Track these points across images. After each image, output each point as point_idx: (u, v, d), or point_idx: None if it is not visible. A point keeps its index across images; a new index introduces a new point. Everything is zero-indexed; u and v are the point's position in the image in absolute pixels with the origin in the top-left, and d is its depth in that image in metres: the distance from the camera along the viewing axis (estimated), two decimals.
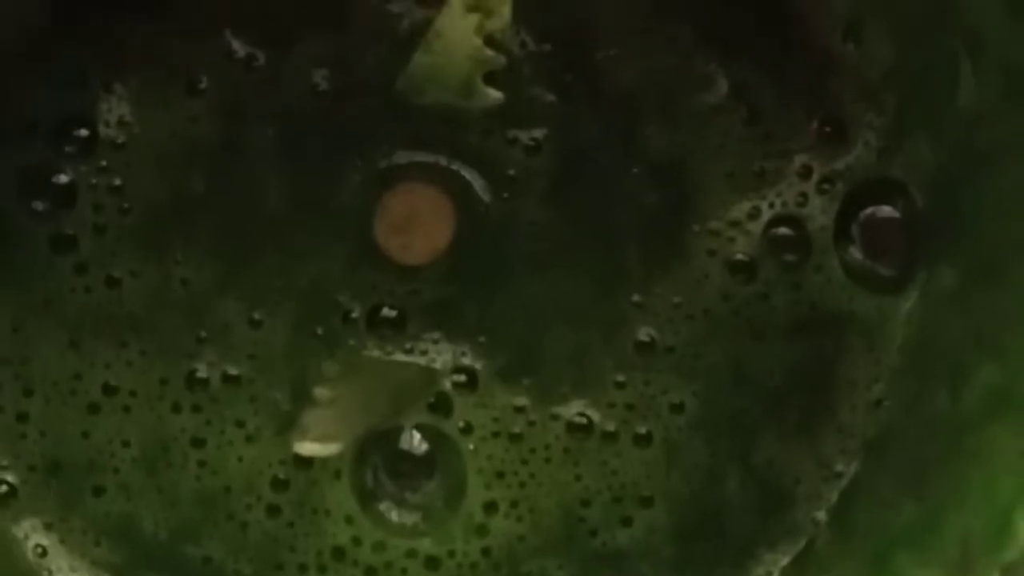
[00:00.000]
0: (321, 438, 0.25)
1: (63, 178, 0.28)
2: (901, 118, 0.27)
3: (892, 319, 0.28)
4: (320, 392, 0.27)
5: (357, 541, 0.28)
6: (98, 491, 0.28)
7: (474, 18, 0.27)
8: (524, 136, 0.28)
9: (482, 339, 0.28)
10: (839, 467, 0.28)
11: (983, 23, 0.24)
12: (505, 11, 0.27)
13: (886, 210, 0.28)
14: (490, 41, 0.28)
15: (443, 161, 0.28)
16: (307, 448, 0.25)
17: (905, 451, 0.26)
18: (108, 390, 0.28)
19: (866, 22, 0.28)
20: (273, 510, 0.28)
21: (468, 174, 0.28)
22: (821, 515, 0.28)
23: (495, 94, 0.28)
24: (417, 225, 0.28)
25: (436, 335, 0.28)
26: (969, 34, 0.25)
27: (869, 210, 0.28)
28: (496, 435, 0.28)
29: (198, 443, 0.28)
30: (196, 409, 0.28)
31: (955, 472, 0.23)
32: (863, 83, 0.28)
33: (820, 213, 0.28)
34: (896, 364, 0.27)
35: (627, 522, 0.28)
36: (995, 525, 0.21)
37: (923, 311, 0.27)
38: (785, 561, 0.27)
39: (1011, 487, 0.21)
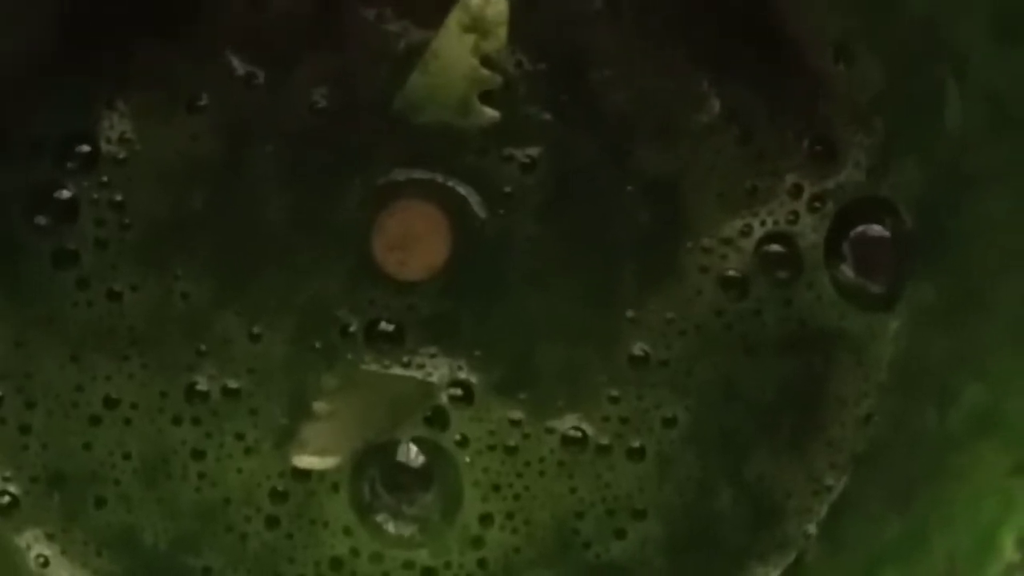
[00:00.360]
0: (320, 452, 0.26)
1: (65, 193, 0.29)
2: (890, 139, 0.28)
3: (881, 336, 0.28)
4: (319, 406, 0.27)
5: (355, 552, 0.28)
6: (99, 502, 0.28)
7: (471, 39, 0.28)
8: (520, 154, 0.29)
9: (478, 353, 0.29)
10: (829, 481, 0.28)
11: (969, 49, 0.25)
12: (501, 32, 0.27)
13: (876, 229, 0.28)
14: (486, 61, 0.28)
15: (440, 178, 0.29)
16: (306, 461, 0.26)
17: (893, 467, 0.27)
18: (109, 403, 0.28)
19: (856, 45, 0.28)
20: (272, 521, 0.28)
21: (465, 191, 0.29)
22: (811, 529, 0.28)
23: (491, 113, 0.29)
24: (414, 242, 0.28)
25: (433, 349, 0.29)
26: (956, 60, 0.25)
27: (859, 228, 0.28)
28: (492, 448, 0.28)
29: (198, 455, 0.28)
30: (196, 422, 0.28)
31: (941, 489, 0.24)
32: (853, 105, 0.28)
33: (811, 231, 0.29)
34: (885, 381, 0.28)
35: (620, 534, 0.28)
36: (980, 542, 0.21)
37: (911, 329, 0.28)
38: (775, 574, 0.28)
39: (995, 505, 0.22)
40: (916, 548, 0.23)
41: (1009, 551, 0.20)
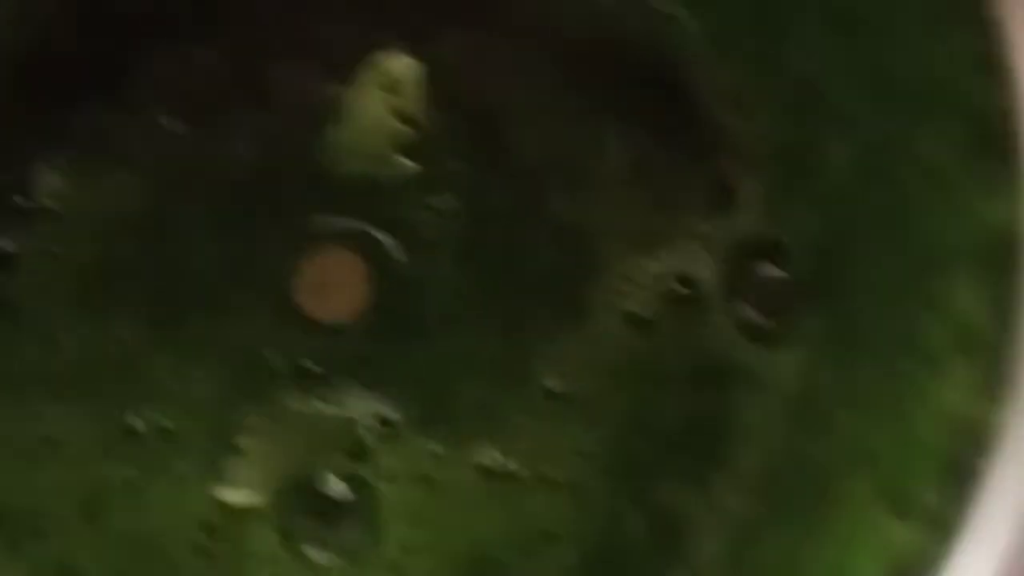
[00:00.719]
0: (243, 485, 0.27)
1: (1, 244, 0.30)
2: (783, 186, 0.30)
3: (777, 370, 0.30)
4: (244, 442, 0.29)
5: None
6: (40, 536, 0.30)
7: (384, 95, 0.29)
8: (437, 202, 0.31)
9: (399, 391, 0.30)
10: (731, 507, 0.30)
11: (848, 104, 0.27)
12: (413, 88, 0.29)
13: (772, 270, 0.30)
14: (402, 116, 0.30)
15: (361, 226, 0.30)
16: (230, 495, 0.27)
17: (786, 494, 0.28)
18: (48, 442, 0.30)
19: (751, 98, 0.30)
20: (202, 553, 0.30)
21: (385, 238, 0.31)
22: (713, 551, 0.30)
23: (409, 164, 0.30)
24: (334, 286, 0.30)
25: (356, 387, 0.30)
26: (836, 114, 0.27)
27: (757, 269, 0.30)
28: (412, 480, 0.30)
29: (132, 491, 0.30)
30: (129, 459, 0.30)
31: (820, 516, 0.25)
32: (749, 153, 0.30)
33: (711, 272, 0.30)
34: (781, 412, 0.29)
35: (535, 560, 0.30)
36: (843, 566, 0.23)
37: (803, 364, 0.29)
38: None
39: (860, 532, 0.23)
40: (795, 571, 0.25)
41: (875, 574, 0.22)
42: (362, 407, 0.30)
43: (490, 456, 0.30)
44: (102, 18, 0.30)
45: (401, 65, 0.29)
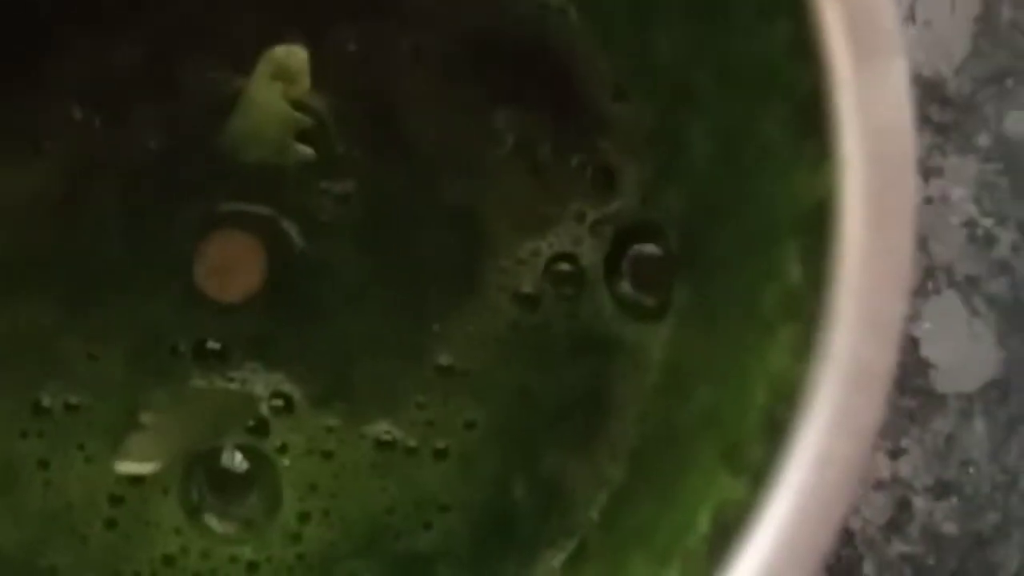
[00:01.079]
0: (139, 458, 0.29)
1: None
2: (658, 171, 0.31)
3: (653, 343, 0.31)
4: (146, 417, 0.30)
5: (185, 550, 0.31)
6: None
7: (279, 85, 0.31)
8: (335, 187, 0.32)
9: (298, 368, 0.32)
10: (610, 474, 0.31)
11: (705, 90, 0.28)
12: (304, 79, 0.30)
13: (650, 249, 0.32)
14: (298, 104, 0.31)
15: (261, 211, 0.32)
16: (125, 467, 0.29)
17: (659, 458, 0.30)
18: None
19: (630, 87, 0.31)
20: (110, 524, 0.31)
21: (285, 222, 0.32)
22: (594, 516, 0.31)
23: (306, 151, 0.32)
24: (234, 268, 0.32)
25: (256, 365, 0.32)
26: (697, 98, 0.29)
27: (635, 249, 0.32)
28: (310, 453, 0.32)
29: (43, 465, 0.31)
30: (41, 435, 0.31)
31: (679, 475, 0.27)
32: (629, 139, 0.32)
33: (592, 252, 0.32)
34: (656, 383, 0.31)
35: (427, 527, 0.31)
36: (687, 517, 0.25)
37: (677, 337, 0.31)
38: (563, 557, 0.31)
39: (703, 486, 0.25)
40: (653, 528, 0.27)
41: (704, 525, 0.23)
42: (262, 384, 0.32)
43: (384, 430, 0.32)
44: (9, 7, 0.31)
45: (293, 55, 0.30)
